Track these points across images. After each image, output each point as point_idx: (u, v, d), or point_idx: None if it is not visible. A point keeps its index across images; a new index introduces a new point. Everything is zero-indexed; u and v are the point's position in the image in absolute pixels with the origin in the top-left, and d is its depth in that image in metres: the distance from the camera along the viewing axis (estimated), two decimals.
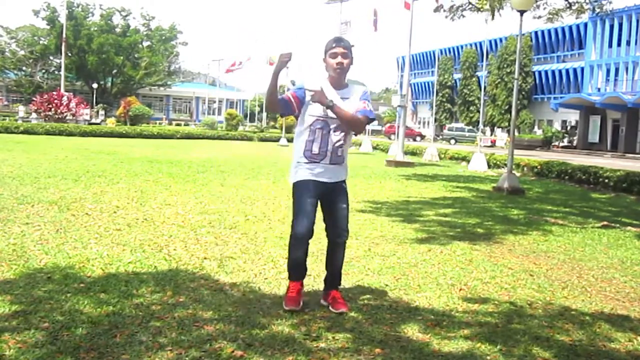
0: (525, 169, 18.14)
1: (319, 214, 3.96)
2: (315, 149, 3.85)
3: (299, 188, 3.87)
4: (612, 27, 45.93)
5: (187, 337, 3.27)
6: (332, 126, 3.85)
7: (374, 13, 27.49)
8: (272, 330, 3.45)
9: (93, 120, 43.39)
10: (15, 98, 64.07)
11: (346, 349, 3.23)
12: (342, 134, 3.88)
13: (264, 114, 62.76)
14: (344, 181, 3.99)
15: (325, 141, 3.84)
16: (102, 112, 51.20)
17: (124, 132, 31.61)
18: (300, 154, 3.89)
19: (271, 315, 3.70)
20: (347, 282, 4.58)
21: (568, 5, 14.32)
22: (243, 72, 55.76)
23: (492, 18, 14.00)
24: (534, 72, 53.45)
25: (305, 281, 4.50)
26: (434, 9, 17.26)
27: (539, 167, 17.53)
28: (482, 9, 14.15)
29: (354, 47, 3.90)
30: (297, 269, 3.92)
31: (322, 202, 3.93)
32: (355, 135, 4.13)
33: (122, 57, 64.01)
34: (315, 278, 4.63)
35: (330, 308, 3.85)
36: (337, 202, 3.91)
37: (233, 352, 3.10)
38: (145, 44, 67.90)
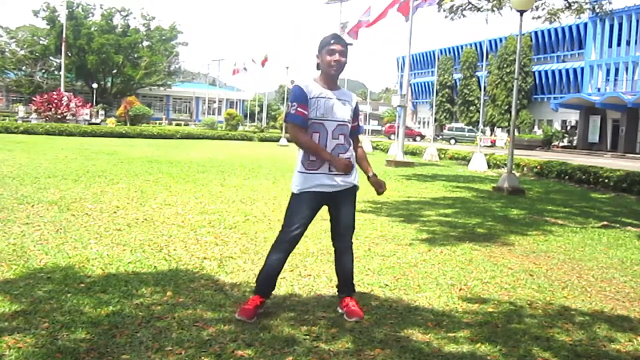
0: (525, 169, 18.14)
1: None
2: (313, 156, 3.65)
3: (298, 199, 3.68)
4: (612, 27, 45.94)
5: (188, 337, 3.27)
6: (329, 129, 3.66)
7: (368, 11, 27.83)
8: (272, 330, 3.44)
9: (93, 120, 43.40)
10: (15, 98, 64.09)
11: (346, 349, 3.23)
12: (342, 136, 3.70)
13: (264, 114, 62.83)
14: (354, 186, 3.78)
15: (324, 146, 3.64)
16: (102, 112, 51.25)
17: (124, 132, 31.63)
18: (300, 161, 3.69)
19: (271, 315, 3.70)
20: None
21: (567, 5, 14.31)
22: (246, 73, 55.82)
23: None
24: (534, 72, 53.48)
25: (304, 281, 4.52)
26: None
27: (539, 167, 17.53)
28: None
29: (351, 46, 3.82)
30: (267, 280, 3.69)
31: (328, 206, 3.78)
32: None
33: (122, 57, 64.09)
34: (315, 278, 4.63)
35: (345, 317, 3.70)
36: (342, 207, 3.76)
37: (233, 352, 3.10)
38: (145, 43, 68.00)
